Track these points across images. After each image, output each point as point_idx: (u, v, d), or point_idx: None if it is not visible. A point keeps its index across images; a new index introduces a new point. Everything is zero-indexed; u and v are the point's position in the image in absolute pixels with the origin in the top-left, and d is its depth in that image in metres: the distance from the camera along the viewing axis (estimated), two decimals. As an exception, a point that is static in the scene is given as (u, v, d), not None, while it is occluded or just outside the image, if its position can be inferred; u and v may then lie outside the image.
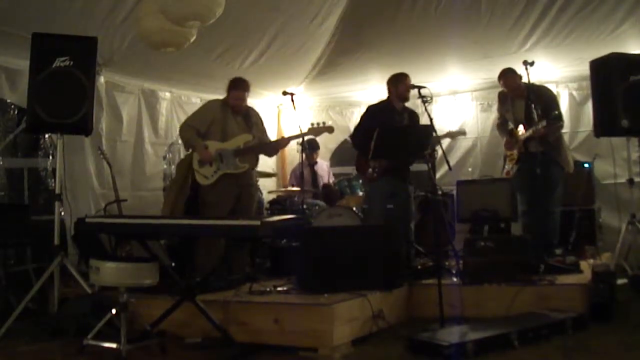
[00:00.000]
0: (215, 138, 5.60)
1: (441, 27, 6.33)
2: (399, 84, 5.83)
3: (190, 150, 5.80)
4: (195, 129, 5.65)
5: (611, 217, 6.68)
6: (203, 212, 5.61)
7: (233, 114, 5.70)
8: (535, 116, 5.55)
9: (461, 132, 6.87)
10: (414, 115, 5.96)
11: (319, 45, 6.95)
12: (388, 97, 5.97)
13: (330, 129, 5.91)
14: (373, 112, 5.98)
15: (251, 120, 5.82)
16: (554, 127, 5.67)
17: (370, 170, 5.73)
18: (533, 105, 5.56)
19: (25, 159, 6.28)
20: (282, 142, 6.12)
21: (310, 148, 7.31)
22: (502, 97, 6.16)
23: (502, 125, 6.16)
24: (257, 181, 6.30)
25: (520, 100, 5.88)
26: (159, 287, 4.23)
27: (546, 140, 5.66)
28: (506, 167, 6.19)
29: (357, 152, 6.04)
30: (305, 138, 5.98)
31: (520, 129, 5.85)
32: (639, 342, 3.99)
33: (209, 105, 5.90)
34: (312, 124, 5.85)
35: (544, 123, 5.52)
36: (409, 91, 5.74)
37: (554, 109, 5.71)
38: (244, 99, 5.71)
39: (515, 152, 5.96)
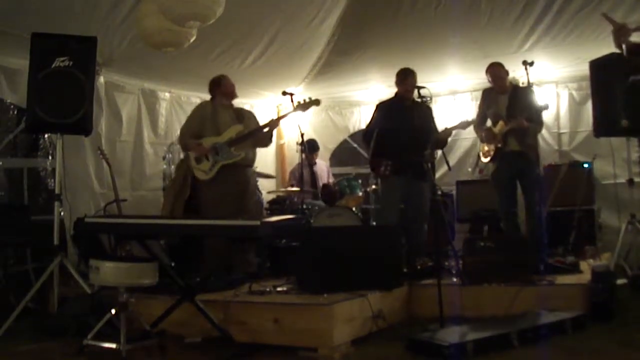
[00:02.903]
0: (210, 134, 5.69)
1: (441, 27, 6.33)
2: (399, 84, 5.84)
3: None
4: (190, 132, 5.76)
5: (611, 217, 6.68)
6: (205, 211, 5.60)
7: (224, 109, 5.78)
8: (517, 111, 5.61)
9: (470, 122, 6.70)
10: (425, 110, 5.74)
11: (318, 45, 6.95)
12: (396, 93, 5.95)
13: (317, 102, 5.74)
14: (382, 110, 5.97)
15: (243, 115, 5.91)
16: (535, 124, 5.71)
17: (382, 167, 5.69)
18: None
19: (25, 159, 6.28)
20: (273, 124, 5.90)
21: (310, 149, 7.31)
22: (486, 93, 6.15)
23: (479, 124, 6.14)
24: (256, 182, 6.31)
25: (503, 96, 5.89)
26: (159, 287, 4.23)
27: (525, 139, 5.68)
28: (479, 164, 6.17)
29: (370, 150, 6.02)
30: (305, 139, 6.00)
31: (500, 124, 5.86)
32: (639, 342, 3.99)
33: (198, 107, 6.06)
34: (299, 102, 5.67)
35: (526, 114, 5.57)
36: (410, 91, 5.69)
37: (535, 109, 5.75)
38: (235, 86, 5.83)
39: (492, 147, 5.93)
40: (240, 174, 5.72)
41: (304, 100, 5.67)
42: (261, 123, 5.91)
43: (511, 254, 4.99)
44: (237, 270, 5.36)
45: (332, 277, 4.51)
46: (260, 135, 5.84)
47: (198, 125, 5.75)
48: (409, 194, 5.67)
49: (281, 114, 8.63)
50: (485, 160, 6.03)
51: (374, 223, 6.63)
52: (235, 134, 5.66)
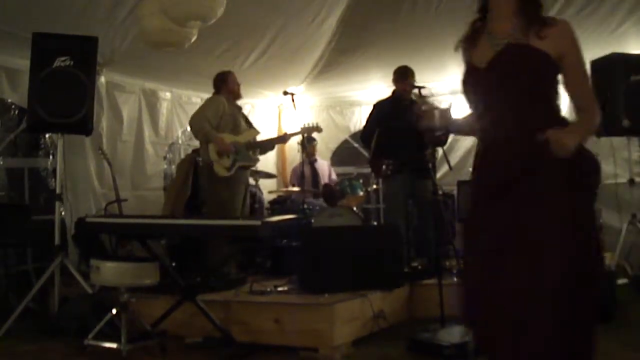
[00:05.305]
0: (226, 131, 5.65)
1: (441, 27, 6.32)
2: (398, 82, 5.84)
3: (192, 149, 5.86)
4: (209, 121, 5.64)
5: (612, 218, 6.64)
6: (216, 208, 5.59)
7: (237, 109, 5.83)
8: None
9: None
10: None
11: (319, 45, 6.95)
12: (393, 91, 5.95)
13: (319, 129, 6.12)
14: (379, 109, 5.97)
15: (250, 121, 6.00)
16: None
17: (384, 167, 5.69)
18: None
19: (26, 159, 6.27)
20: (285, 138, 6.32)
21: (307, 141, 7.31)
22: None
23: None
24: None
25: None
26: (160, 287, 4.24)
27: None
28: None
29: (371, 151, 6.03)
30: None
31: None
32: (639, 342, 3.99)
33: (214, 100, 5.81)
34: (304, 125, 6.11)
35: None
36: (409, 91, 5.70)
37: None
38: (240, 85, 5.88)
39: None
40: (247, 176, 5.87)
41: (309, 125, 6.10)
42: (261, 124, 6.02)
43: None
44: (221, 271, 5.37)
45: (333, 277, 4.51)
46: (269, 146, 6.10)
47: (216, 119, 5.62)
48: (412, 192, 5.68)
49: (282, 120, 9.07)
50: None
51: (376, 223, 6.63)
52: (253, 139, 5.76)
